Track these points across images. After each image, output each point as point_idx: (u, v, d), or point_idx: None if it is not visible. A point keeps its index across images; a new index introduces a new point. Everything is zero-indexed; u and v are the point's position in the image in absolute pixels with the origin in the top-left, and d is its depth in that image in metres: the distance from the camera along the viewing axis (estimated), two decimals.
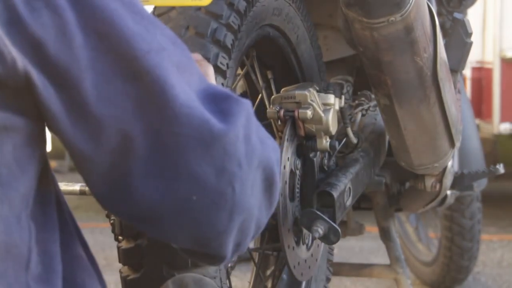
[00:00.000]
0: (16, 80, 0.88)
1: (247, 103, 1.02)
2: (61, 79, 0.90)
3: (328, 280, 1.99)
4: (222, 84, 1.46)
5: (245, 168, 0.99)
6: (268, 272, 1.90)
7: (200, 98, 0.98)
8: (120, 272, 1.43)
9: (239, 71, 1.80)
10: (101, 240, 4.07)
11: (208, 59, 1.41)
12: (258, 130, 1.04)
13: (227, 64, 1.46)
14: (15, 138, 0.91)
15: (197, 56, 1.41)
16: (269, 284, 1.86)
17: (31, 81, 0.89)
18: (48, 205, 0.99)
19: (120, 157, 0.94)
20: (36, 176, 0.95)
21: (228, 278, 1.73)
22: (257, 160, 1.01)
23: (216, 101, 0.99)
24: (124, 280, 1.40)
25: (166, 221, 0.98)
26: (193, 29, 1.45)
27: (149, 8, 1.46)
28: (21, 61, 0.87)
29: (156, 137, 0.95)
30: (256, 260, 1.88)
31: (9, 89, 0.89)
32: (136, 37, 0.93)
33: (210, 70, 1.38)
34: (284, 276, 1.82)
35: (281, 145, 1.58)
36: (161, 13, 1.49)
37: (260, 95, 1.78)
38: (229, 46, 1.47)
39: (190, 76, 0.99)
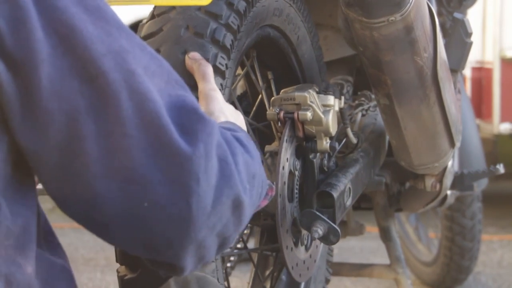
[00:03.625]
0: None
1: (212, 122, 1.02)
2: (18, 67, 0.92)
3: (327, 281, 1.99)
4: (221, 85, 1.45)
5: (204, 185, 0.99)
6: (267, 272, 1.90)
7: (167, 107, 0.98)
8: (118, 271, 1.43)
9: (240, 71, 1.80)
10: (101, 240, 4.06)
11: (207, 59, 1.41)
12: (223, 147, 1.04)
13: (226, 64, 1.46)
14: None
15: (196, 55, 1.41)
16: (268, 285, 1.86)
17: None
18: (27, 188, 0.99)
19: (70, 157, 0.95)
20: (5, 161, 0.95)
21: (227, 278, 1.73)
22: (218, 179, 1.01)
23: (182, 113, 1.00)
24: (121, 279, 1.40)
25: (117, 225, 0.98)
26: (192, 29, 1.45)
27: (149, 8, 1.46)
28: None
29: (108, 139, 0.95)
30: (255, 261, 1.88)
31: None
32: (94, 39, 0.95)
33: (209, 69, 1.38)
34: (283, 277, 1.82)
35: (280, 146, 1.58)
36: (160, 12, 1.49)
37: (260, 95, 1.78)
38: (228, 46, 1.47)
39: (161, 83, 1.00)
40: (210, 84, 1.35)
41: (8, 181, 0.95)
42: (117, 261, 1.42)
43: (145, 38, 1.48)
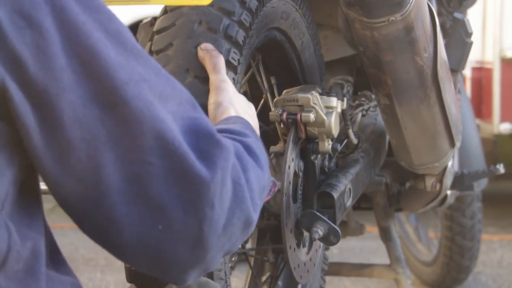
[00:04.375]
0: None
1: (229, 147, 1.03)
2: (39, 98, 0.91)
3: None
4: (233, 80, 1.46)
5: (217, 210, 1.00)
6: (263, 278, 1.89)
7: (182, 131, 0.99)
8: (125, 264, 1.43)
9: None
10: None
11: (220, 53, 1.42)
12: (237, 169, 1.04)
13: (238, 60, 1.47)
14: None
15: (209, 46, 1.41)
16: None
17: (8, 94, 0.89)
18: (34, 209, 0.99)
19: (91, 185, 0.95)
20: (14, 182, 0.95)
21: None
22: (231, 202, 1.02)
23: (199, 137, 1.00)
24: (128, 270, 1.41)
25: (131, 245, 0.99)
26: (205, 24, 1.45)
27: (148, 8, 1.46)
28: (0, 74, 0.88)
29: (129, 167, 0.95)
30: (252, 264, 1.88)
31: None
32: (116, 67, 0.94)
33: (220, 60, 1.38)
34: (280, 282, 1.81)
35: (286, 147, 1.58)
36: (173, 7, 1.49)
37: (263, 99, 1.78)
38: (241, 42, 1.48)
39: (174, 105, 1.00)
40: (220, 75, 1.35)
41: (15, 204, 0.95)
42: (127, 280, 1.43)
43: (158, 32, 1.48)
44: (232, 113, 1.26)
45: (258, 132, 1.27)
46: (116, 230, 0.97)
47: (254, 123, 1.29)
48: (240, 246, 2.38)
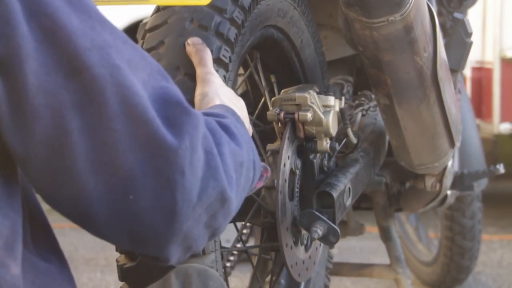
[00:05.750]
0: None
1: (197, 114, 1.02)
2: (3, 65, 0.91)
3: (326, 287, 1.99)
4: (224, 77, 1.46)
5: (189, 177, 0.99)
6: (266, 275, 1.90)
7: (151, 99, 0.98)
8: (117, 261, 1.43)
9: (241, 72, 1.80)
10: (101, 240, 4.06)
11: (211, 52, 1.42)
12: (209, 139, 1.04)
13: (229, 57, 1.47)
14: None
15: (195, 40, 1.41)
16: None
17: None
18: (12, 188, 0.99)
19: (56, 152, 0.95)
20: None
21: (226, 278, 1.73)
22: (204, 172, 1.01)
23: (167, 105, 1.00)
24: (120, 268, 1.41)
25: (102, 217, 0.99)
26: (196, 22, 1.46)
27: (148, 8, 1.47)
28: None
29: (94, 133, 0.95)
30: (255, 262, 1.88)
31: None
32: (78, 34, 0.94)
33: (206, 54, 1.38)
34: (282, 280, 1.82)
35: (281, 144, 1.58)
36: (165, 6, 1.49)
37: (263, 97, 1.78)
38: (232, 40, 1.48)
39: (144, 75, 0.99)
40: (206, 68, 1.36)
41: None
42: (116, 250, 1.43)
43: (150, 30, 1.48)
44: (217, 103, 1.27)
45: (245, 122, 1.28)
46: (86, 202, 0.97)
47: (242, 115, 1.29)
48: (240, 244, 2.39)
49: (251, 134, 1.36)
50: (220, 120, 1.12)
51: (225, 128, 1.10)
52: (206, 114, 1.12)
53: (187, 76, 1.40)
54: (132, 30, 3.62)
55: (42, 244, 1.06)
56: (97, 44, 0.95)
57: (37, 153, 0.94)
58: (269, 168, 1.39)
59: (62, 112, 0.94)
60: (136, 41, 1.44)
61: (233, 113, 1.19)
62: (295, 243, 1.63)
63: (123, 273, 1.41)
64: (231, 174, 1.06)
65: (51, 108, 0.93)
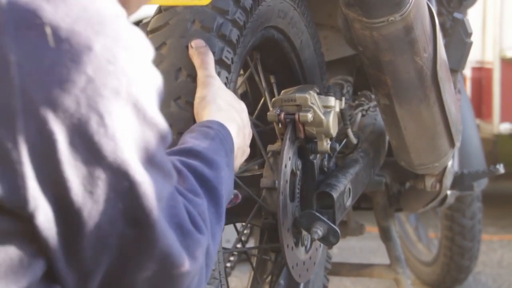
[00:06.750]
0: (21, 206, 0.87)
1: (205, 239, 1.03)
2: (69, 217, 0.89)
3: (324, 287, 1.99)
4: (227, 78, 1.46)
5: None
6: (266, 275, 1.89)
7: (173, 229, 0.98)
8: None
9: (241, 72, 1.80)
10: None
11: (213, 53, 1.42)
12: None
13: (232, 58, 1.47)
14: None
15: (199, 42, 1.41)
16: None
17: (38, 214, 0.87)
18: None
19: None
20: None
21: (226, 279, 1.73)
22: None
23: (183, 235, 1.00)
24: None
25: None
26: (199, 23, 1.45)
27: (148, 8, 1.47)
28: (37, 195, 0.86)
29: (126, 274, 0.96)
30: (254, 263, 1.88)
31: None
32: (147, 188, 0.93)
33: (207, 57, 1.38)
34: (281, 281, 1.81)
35: (282, 145, 1.58)
36: (167, 7, 1.49)
37: (262, 98, 1.78)
38: (234, 41, 1.48)
39: (167, 204, 0.99)
40: (207, 71, 1.36)
41: None
42: None
43: (152, 31, 1.48)
44: (213, 108, 1.27)
45: (246, 125, 1.28)
46: None
47: (241, 117, 1.29)
48: (237, 242, 2.37)
49: (250, 137, 1.37)
50: (191, 164, 1.11)
51: (197, 176, 1.10)
52: (181, 154, 1.13)
53: (190, 77, 1.40)
54: None
55: None
56: (162, 197, 0.96)
57: (72, 278, 0.93)
58: (240, 195, 1.41)
59: (104, 250, 0.93)
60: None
61: (215, 134, 1.19)
62: (296, 244, 1.63)
63: None
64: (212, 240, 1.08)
65: (96, 249, 0.92)
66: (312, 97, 1.62)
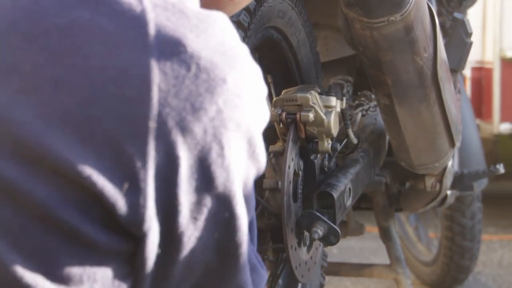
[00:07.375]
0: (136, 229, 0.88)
1: (266, 274, 1.05)
2: (169, 242, 0.90)
3: (321, 286, 1.99)
4: None
5: None
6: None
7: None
8: None
9: None
10: None
11: None
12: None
13: None
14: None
15: None
16: None
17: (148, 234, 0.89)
18: None
19: None
20: None
21: None
22: None
23: (252, 269, 1.02)
24: None
25: None
26: None
27: None
28: (153, 216, 0.87)
29: None
30: None
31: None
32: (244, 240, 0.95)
33: None
34: (280, 281, 1.82)
35: (286, 146, 1.58)
36: None
37: None
38: None
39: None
40: None
41: None
42: None
43: None
44: None
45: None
46: None
47: None
48: None
49: None
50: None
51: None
52: None
53: None
54: None
55: None
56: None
57: None
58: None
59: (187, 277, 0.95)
60: None
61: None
62: (298, 245, 1.63)
63: None
64: None
65: (182, 276, 0.94)
66: (313, 97, 1.62)
